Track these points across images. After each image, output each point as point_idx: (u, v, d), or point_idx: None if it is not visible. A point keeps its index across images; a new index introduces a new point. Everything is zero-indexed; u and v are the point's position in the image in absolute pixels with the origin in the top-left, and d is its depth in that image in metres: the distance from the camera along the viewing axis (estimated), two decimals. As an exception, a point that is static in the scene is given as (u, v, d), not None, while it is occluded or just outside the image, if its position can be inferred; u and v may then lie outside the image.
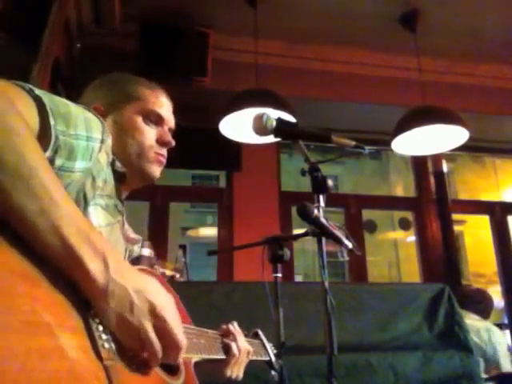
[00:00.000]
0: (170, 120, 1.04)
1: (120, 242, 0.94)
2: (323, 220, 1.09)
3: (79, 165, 0.75)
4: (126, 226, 1.02)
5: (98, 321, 0.61)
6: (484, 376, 2.48)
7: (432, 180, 4.40)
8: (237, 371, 1.13)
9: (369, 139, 3.56)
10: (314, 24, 3.54)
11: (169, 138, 1.02)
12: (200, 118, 3.43)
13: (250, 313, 1.91)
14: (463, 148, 3.35)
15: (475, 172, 10.71)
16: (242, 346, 1.14)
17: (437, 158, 4.34)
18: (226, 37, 3.54)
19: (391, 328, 2.38)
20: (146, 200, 3.84)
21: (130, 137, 0.97)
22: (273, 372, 1.31)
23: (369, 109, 3.94)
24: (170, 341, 0.67)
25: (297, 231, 1.70)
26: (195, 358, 0.96)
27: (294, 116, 2.70)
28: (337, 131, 1.86)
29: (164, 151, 1.01)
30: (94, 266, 0.59)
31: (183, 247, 3.22)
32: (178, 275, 2.72)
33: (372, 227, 11.29)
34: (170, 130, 1.04)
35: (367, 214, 8.67)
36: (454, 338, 2.38)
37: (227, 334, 1.15)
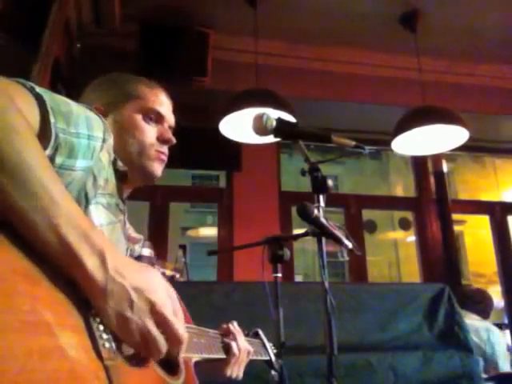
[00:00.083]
0: (169, 118, 1.04)
1: (121, 241, 0.94)
2: (323, 220, 1.09)
3: (80, 163, 0.74)
4: (128, 225, 1.02)
5: (98, 320, 0.61)
6: (484, 376, 2.48)
7: (432, 180, 4.40)
8: (237, 371, 1.13)
9: (369, 139, 3.57)
10: (314, 24, 3.54)
11: (169, 135, 1.02)
12: (200, 117, 3.43)
13: (249, 313, 1.91)
14: (463, 148, 3.35)
15: (475, 172, 10.72)
16: (243, 345, 1.15)
17: (437, 158, 4.34)
18: (226, 37, 3.54)
19: (391, 328, 2.38)
20: (146, 200, 3.84)
21: (130, 135, 0.97)
22: (273, 372, 1.31)
23: (369, 109, 3.94)
24: (170, 335, 0.67)
25: (297, 231, 1.70)
26: (195, 357, 0.96)
27: (294, 116, 2.70)
28: (337, 131, 1.86)
29: (165, 149, 1.01)
30: (93, 264, 0.59)
31: (183, 247, 3.23)
32: (178, 275, 2.72)
33: (372, 227, 11.29)
34: (170, 128, 1.04)
35: (367, 214, 8.68)
36: (454, 338, 2.38)
37: (227, 333, 1.15)
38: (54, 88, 2.61)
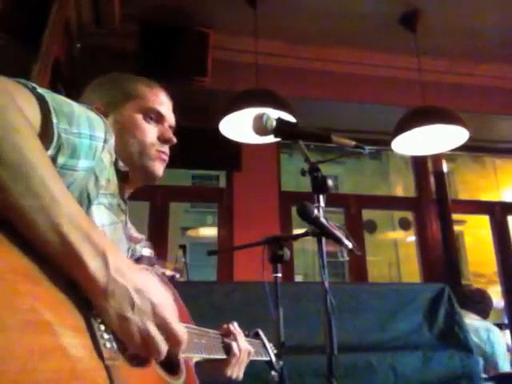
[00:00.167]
0: (170, 117, 1.04)
1: (123, 241, 0.94)
2: (323, 220, 1.09)
3: (82, 164, 0.74)
4: (129, 224, 1.02)
5: (99, 320, 0.61)
6: (484, 376, 2.48)
7: (432, 180, 4.40)
8: (237, 371, 1.13)
9: (369, 139, 3.57)
10: (314, 24, 3.54)
11: (170, 135, 1.02)
12: (200, 117, 3.43)
13: (250, 313, 1.92)
14: (463, 148, 3.35)
15: (475, 172, 10.71)
16: (243, 345, 1.15)
17: (437, 158, 4.34)
18: (226, 37, 3.54)
19: (391, 328, 2.38)
20: (146, 200, 3.84)
21: (131, 135, 0.97)
22: (273, 372, 1.31)
23: (369, 109, 3.94)
24: (170, 336, 0.67)
25: (297, 231, 1.70)
26: (196, 357, 0.96)
27: (294, 116, 2.70)
28: (337, 131, 1.86)
29: (166, 148, 1.01)
30: (94, 265, 0.59)
31: (183, 247, 3.23)
32: (178, 275, 2.72)
33: (372, 227, 11.29)
34: (170, 127, 1.04)
35: (367, 214, 8.68)
36: (454, 338, 2.38)
37: (228, 333, 1.15)
38: (54, 88, 2.61)
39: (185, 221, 12.68)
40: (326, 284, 1.06)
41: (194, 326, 1.00)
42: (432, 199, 4.32)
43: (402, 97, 3.80)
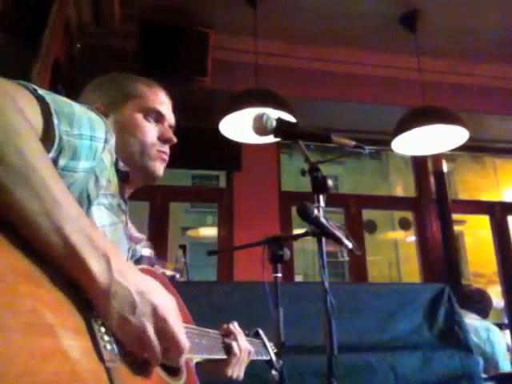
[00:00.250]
0: (170, 117, 1.04)
1: (123, 241, 0.94)
2: (323, 220, 1.09)
3: (83, 165, 0.74)
4: (129, 224, 1.02)
5: (100, 322, 0.61)
6: (484, 376, 2.48)
7: (432, 180, 4.40)
8: (238, 371, 1.13)
9: (369, 139, 3.56)
10: (314, 24, 3.54)
11: (170, 134, 1.02)
12: (200, 118, 3.43)
13: (250, 313, 1.92)
14: (463, 148, 3.35)
15: (475, 172, 10.70)
16: (243, 345, 1.15)
17: (437, 158, 4.34)
18: (226, 37, 3.54)
19: (391, 328, 2.38)
20: (146, 200, 3.84)
21: (131, 135, 0.97)
22: (273, 371, 1.31)
23: (369, 109, 3.94)
24: (172, 343, 0.67)
25: (297, 231, 1.70)
26: (197, 358, 0.96)
27: (294, 116, 2.70)
28: (337, 131, 1.86)
29: (166, 148, 1.01)
30: (97, 267, 0.59)
31: (183, 247, 3.23)
32: (178, 275, 2.72)
33: (372, 227, 11.29)
34: (170, 127, 1.04)
35: (367, 214, 8.68)
36: (454, 338, 2.38)
37: (228, 333, 1.15)
38: (54, 88, 2.61)
39: (185, 221, 12.68)
40: (326, 284, 1.06)
41: (195, 327, 1.00)
42: (432, 199, 4.32)
43: (402, 97, 3.80)
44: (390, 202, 5.43)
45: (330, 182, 1.11)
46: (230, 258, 3.61)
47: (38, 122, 0.66)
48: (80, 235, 0.58)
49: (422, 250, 4.23)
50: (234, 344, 1.12)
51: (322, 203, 1.10)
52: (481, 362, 2.37)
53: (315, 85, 3.82)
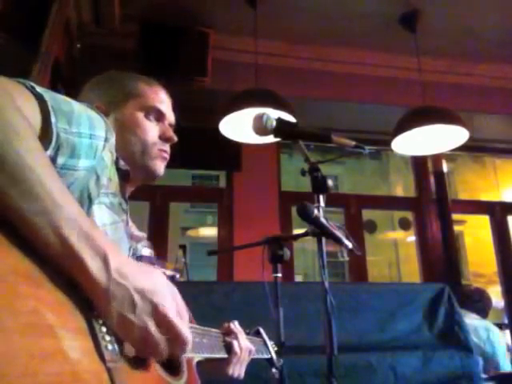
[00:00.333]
0: (170, 116, 1.04)
1: (124, 240, 0.93)
2: (323, 220, 1.09)
3: (83, 163, 0.73)
4: (130, 223, 1.02)
5: (101, 322, 0.61)
6: (483, 376, 2.48)
7: (432, 180, 4.40)
8: (238, 370, 1.13)
9: (369, 139, 3.56)
10: (314, 24, 3.54)
11: (171, 133, 1.02)
12: (200, 118, 3.43)
13: (249, 313, 1.91)
14: (463, 148, 3.35)
15: (475, 172, 10.71)
16: (244, 344, 1.15)
17: (437, 158, 4.34)
18: (226, 37, 3.54)
19: (391, 328, 2.38)
20: (146, 200, 3.84)
21: (132, 134, 0.97)
22: (273, 370, 1.31)
23: (369, 109, 3.94)
24: (175, 336, 0.66)
25: (297, 231, 1.70)
26: (198, 357, 0.96)
27: (294, 116, 2.70)
28: (337, 131, 1.86)
29: (167, 147, 1.01)
30: (95, 266, 0.59)
31: (183, 247, 3.24)
32: (178, 275, 2.72)
33: (372, 227, 11.29)
34: (170, 125, 1.04)
35: (367, 214, 8.68)
36: (454, 338, 2.38)
37: (229, 332, 1.15)
38: (53, 88, 2.60)
39: (185, 221, 12.68)
40: (326, 284, 1.06)
41: (196, 325, 1.00)
42: (432, 199, 4.32)
43: (402, 97, 3.80)
44: (390, 202, 5.43)
45: (330, 182, 1.11)
46: (230, 258, 3.61)
47: (36, 120, 0.65)
48: (79, 235, 0.58)
49: (422, 250, 4.23)
50: (235, 343, 1.12)
51: (322, 203, 1.10)
52: (481, 362, 2.37)
53: (315, 85, 3.82)
